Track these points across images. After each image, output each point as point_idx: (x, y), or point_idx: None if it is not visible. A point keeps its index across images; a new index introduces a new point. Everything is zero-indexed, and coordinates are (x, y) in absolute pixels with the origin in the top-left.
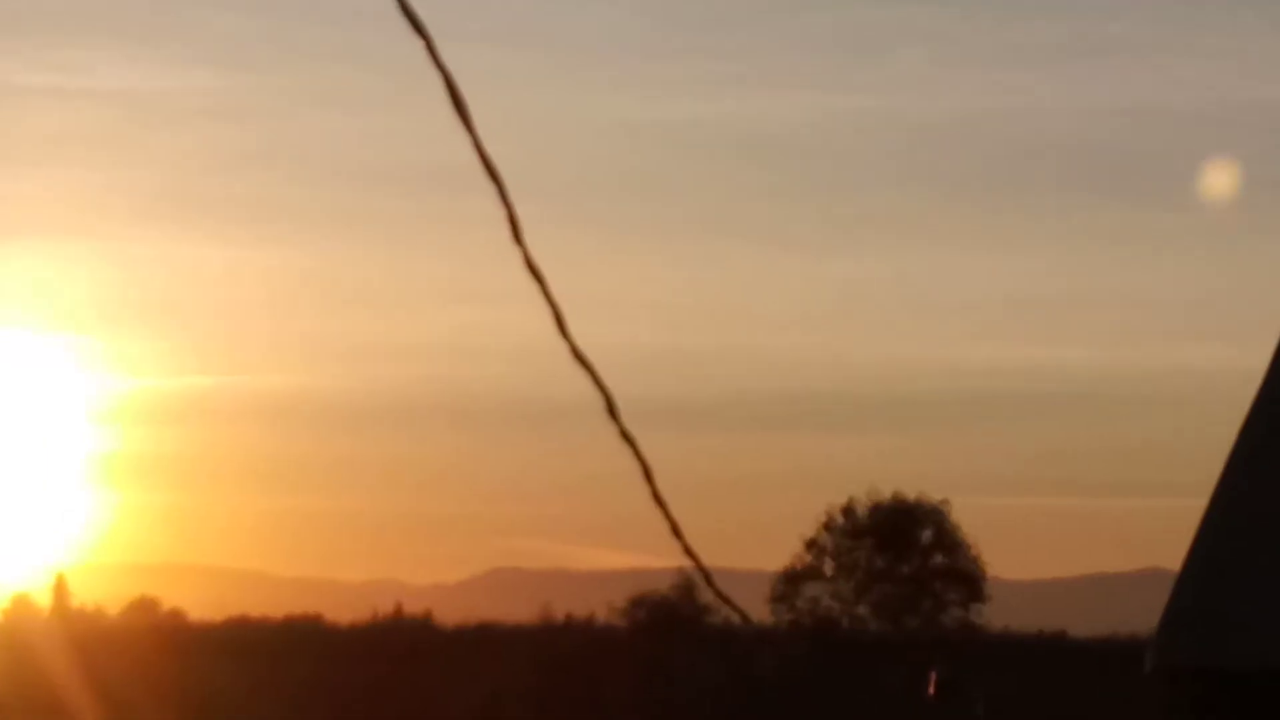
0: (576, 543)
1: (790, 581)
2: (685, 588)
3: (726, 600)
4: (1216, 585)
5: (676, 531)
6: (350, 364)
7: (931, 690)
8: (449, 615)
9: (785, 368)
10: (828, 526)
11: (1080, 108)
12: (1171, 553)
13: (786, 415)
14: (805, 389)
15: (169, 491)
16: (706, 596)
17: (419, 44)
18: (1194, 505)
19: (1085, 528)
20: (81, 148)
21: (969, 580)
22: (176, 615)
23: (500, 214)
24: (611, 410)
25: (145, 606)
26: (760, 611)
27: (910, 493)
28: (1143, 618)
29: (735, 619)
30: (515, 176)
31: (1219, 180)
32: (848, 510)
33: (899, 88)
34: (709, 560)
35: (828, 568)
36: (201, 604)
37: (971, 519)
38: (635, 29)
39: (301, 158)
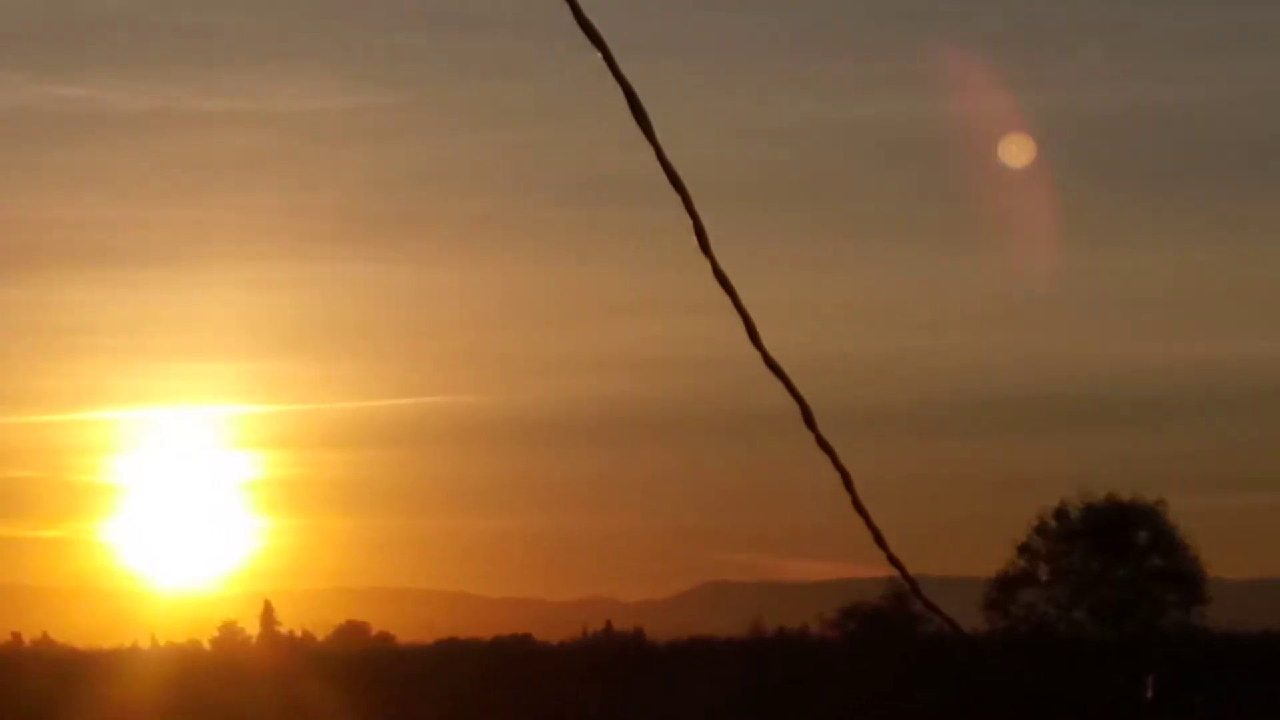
0: (783, 554)
1: (1004, 587)
2: (895, 597)
3: (934, 609)
4: None
5: (880, 540)
6: (545, 380)
7: (1150, 694)
8: (661, 631)
9: (984, 371)
10: (1040, 530)
11: None
12: None
13: (989, 419)
14: (1005, 392)
15: (371, 515)
16: (917, 605)
17: (593, 56)
18: None
19: None
20: (263, 172)
21: (1189, 581)
22: (385, 638)
23: (685, 223)
24: (808, 418)
25: (354, 630)
26: (973, 619)
27: (1124, 493)
28: None
29: (947, 628)
30: (689, 186)
31: None
32: (1060, 513)
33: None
34: (917, 568)
35: (1042, 572)
36: (410, 627)
37: (1187, 518)
38: (806, 31)
39: (477, 173)
